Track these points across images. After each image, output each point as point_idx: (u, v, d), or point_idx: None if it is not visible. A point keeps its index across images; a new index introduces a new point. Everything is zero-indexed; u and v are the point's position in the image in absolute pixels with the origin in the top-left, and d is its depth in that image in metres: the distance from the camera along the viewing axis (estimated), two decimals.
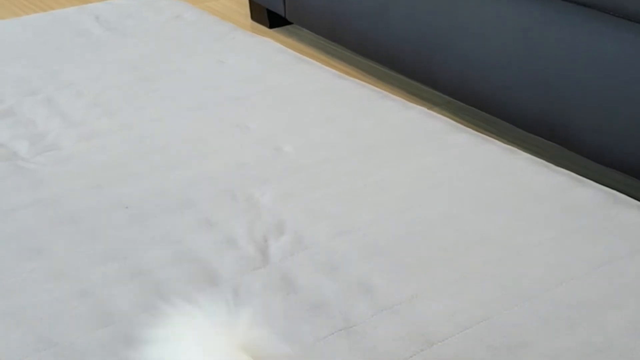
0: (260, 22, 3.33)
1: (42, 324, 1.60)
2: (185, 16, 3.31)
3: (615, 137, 2.03)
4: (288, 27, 3.28)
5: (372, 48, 2.76)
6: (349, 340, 1.55)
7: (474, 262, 1.76)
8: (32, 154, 2.27)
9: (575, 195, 1.99)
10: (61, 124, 2.44)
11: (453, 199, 2.01)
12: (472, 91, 2.43)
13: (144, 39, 3.10)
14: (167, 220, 1.95)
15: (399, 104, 2.53)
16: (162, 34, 3.15)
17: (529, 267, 1.74)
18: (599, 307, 1.61)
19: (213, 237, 1.87)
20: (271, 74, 2.76)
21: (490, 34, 2.32)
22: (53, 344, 1.54)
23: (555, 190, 2.02)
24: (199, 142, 2.32)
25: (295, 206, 1.99)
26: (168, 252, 1.82)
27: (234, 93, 2.62)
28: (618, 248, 1.79)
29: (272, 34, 3.22)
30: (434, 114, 2.46)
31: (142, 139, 2.35)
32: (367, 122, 2.41)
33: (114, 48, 3.02)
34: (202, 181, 2.11)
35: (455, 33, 2.44)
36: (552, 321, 1.58)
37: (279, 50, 2.96)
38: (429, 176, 2.11)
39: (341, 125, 2.40)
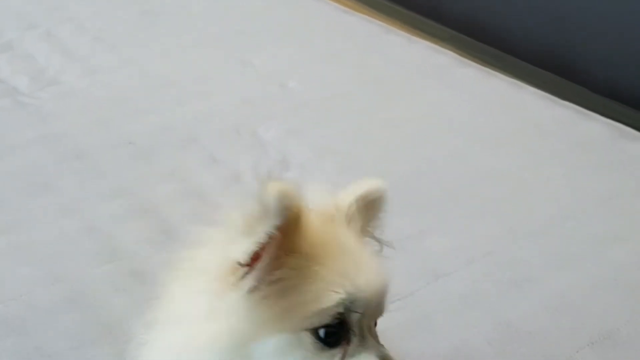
0: None
1: (50, 259, 1.60)
2: None
3: (621, 69, 2.01)
4: None
5: None
6: None
7: (481, 198, 1.76)
8: (33, 90, 2.24)
9: (582, 129, 1.98)
10: (62, 59, 2.41)
11: (460, 135, 2.00)
12: (478, 25, 2.40)
13: None
14: (172, 156, 1.94)
15: (405, 39, 2.50)
16: None
17: (535, 202, 1.74)
18: (606, 242, 1.62)
19: (218, 173, 1.87)
20: (275, 8, 2.72)
21: None
22: (60, 278, 1.55)
23: (562, 124, 2.01)
24: (203, 78, 2.30)
25: (300, 142, 1.98)
26: (174, 189, 1.81)
27: (237, 28, 2.58)
28: (625, 182, 1.78)
29: None
30: (440, 48, 2.44)
31: (146, 74, 2.33)
32: (373, 58, 2.38)
33: None
34: (206, 117, 2.10)
35: None
36: (558, 256, 1.59)
37: None
38: (436, 112, 2.10)
39: (346, 61, 2.37)
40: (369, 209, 0.95)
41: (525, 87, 2.19)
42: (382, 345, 0.90)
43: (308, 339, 0.85)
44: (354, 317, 0.87)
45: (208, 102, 2.17)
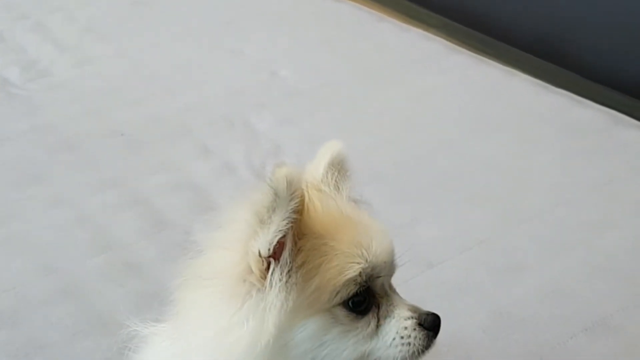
0: None
1: (42, 251, 1.60)
2: None
3: (614, 56, 2.01)
4: None
5: None
6: None
7: (474, 185, 1.76)
8: (24, 81, 2.23)
9: (575, 116, 1.98)
10: (53, 49, 2.40)
11: (453, 122, 1.99)
12: (470, 12, 2.39)
13: None
14: (164, 147, 1.93)
15: (396, 26, 2.49)
16: None
17: (529, 189, 1.74)
18: (599, 228, 1.62)
19: (211, 163, 1.86)
20: None
21: None
22: (53, 270, 1.54)
23: (555, 111, 2.01)
24: (195, 68, 2.29)
25: (293, 132, 1.97)
26: (166, 179, 1.81)
27: (227, 17, 2.57)
28: (618, 168, 1.78)
29: None
30: (431, 36, 2.43)
31: (137, 65, 2.31)
32: (364, 46, 2.37)
33: None
34: (198, 108, 2.09)
35: None
36: (551, 243, 1.59)
37: None
38: (428, 100, 2.09)
39: (338, 49, 2.37)
40: (340, 172, 0.98)
41: (517, 74, 2.18)
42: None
43: (341, 312, 0.87)
44: (378, 282, 0.89)
45: (199, 92, 2.16)
